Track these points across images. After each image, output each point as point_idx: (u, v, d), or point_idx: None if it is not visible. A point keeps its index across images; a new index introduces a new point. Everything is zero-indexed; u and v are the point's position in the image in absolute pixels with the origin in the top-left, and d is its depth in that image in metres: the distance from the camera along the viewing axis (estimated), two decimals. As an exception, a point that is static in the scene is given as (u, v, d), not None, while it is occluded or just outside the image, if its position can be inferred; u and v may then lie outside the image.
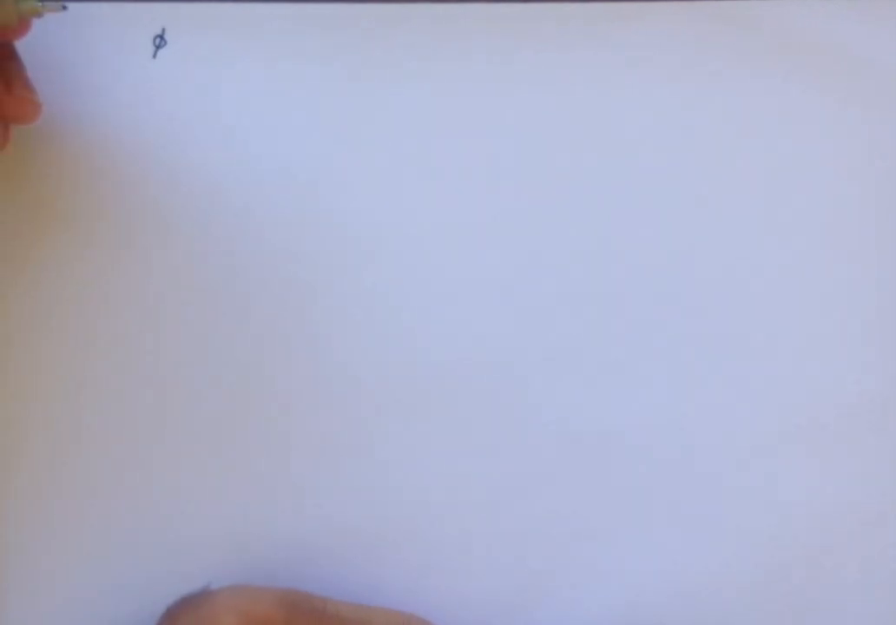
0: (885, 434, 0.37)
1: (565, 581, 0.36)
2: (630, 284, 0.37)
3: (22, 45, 0.34)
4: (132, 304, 0.36)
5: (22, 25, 0.33)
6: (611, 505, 0.36)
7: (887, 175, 0.37)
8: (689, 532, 0.36)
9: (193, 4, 0.36)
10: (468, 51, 0.37)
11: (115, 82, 0.36)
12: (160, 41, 0.36)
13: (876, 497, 0.37)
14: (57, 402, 0.36)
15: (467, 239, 0.37)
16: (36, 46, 0.34)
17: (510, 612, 0.36)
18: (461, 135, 0.37)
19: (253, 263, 0.36)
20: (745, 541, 0.36)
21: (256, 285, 0.36)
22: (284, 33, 0.37)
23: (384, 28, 0.37)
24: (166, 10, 0.36)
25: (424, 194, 0.37)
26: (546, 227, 0.37)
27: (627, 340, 0.37)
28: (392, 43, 0.37)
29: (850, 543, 0.37)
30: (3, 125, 0.34)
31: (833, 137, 0.37)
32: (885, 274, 0.37)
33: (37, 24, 0.33)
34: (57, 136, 0.36)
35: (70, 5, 0.34)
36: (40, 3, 0.33)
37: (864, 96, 0.37)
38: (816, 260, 0.37)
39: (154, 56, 0.36)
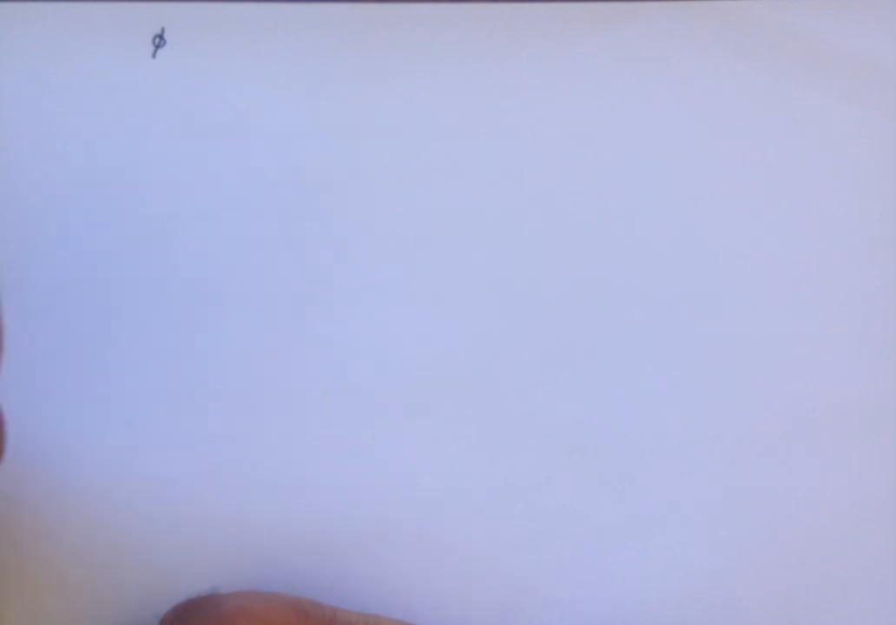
0: (887, 434, 0.37)
1: (566, 581, 0.36)
2: (628, 285, 0.37)
3: (21, 46, 0.34)
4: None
5: None
6: (611, 505, 0.36)
7: (887, 176, 0.38)
8: (690, 532, 0.36)
9: (193, 4, 0.36)
10: (467, 51, 0.37)
11: (114, 82, 0.36)
12: (160, 41, 0.36)
13: (877, 497, 0.37)
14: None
15: (466, 240, 0.37)
16: (35, 46, 0.34)
17: (510, 612, 0.36)
18: (460, 135, 0.37)
19: (254, 260, 0.36)
20: (746, 541, 0.36)
21: (254, 285, 0.36)
22: (285, 33, 0.36)
23: (384, 28, 0.37)
24: (166, 10, 0.36)
25: (425, 194, 0.37)
26: (546, 228, 0.37)
27: (626, 340, 0.37)
28: (391, 43, 0.37)
29: (851, 542, 0.36)
30: None
31: (833, 137, 0.38)
32: (886, 273, 0.37)
33: (35, 24, 0.33)
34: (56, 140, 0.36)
35: (69, 5, 0.34)
36: None
37: (864, 96, 0.38)
38: (816, 260, 0.37)
39: (154, 56, 0.36)
